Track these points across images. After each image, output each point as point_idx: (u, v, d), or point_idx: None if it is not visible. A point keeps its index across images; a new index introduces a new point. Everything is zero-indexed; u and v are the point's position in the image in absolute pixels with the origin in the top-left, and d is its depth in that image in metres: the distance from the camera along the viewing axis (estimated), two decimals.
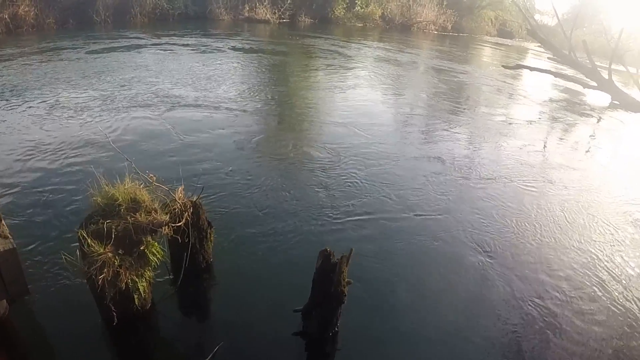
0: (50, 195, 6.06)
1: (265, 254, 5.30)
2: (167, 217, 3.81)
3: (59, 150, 7.51)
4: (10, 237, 3.69)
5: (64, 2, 20.68)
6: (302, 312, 4.27)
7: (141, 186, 3.98)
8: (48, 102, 9.91)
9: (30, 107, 9.46)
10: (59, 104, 9.87)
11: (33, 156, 7.26)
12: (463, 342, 4.37)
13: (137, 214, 3.74)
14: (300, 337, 4.24)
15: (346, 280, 4.01)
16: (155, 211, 3.82)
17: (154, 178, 3.97)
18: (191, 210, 4.15)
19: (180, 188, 4.17)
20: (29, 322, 4.14)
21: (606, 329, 4.74)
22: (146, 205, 3.84)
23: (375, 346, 4.24)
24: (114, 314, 3.67)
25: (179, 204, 4.02)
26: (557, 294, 5.18)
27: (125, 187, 3.87)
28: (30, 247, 4.85)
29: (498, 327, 4.61)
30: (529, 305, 4.94)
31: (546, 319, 4.76)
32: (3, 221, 3.78)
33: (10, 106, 9.44)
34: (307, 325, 4.25)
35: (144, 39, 18.97)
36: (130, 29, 21.35)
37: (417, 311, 4.73)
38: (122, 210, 3.76)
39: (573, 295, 5.19)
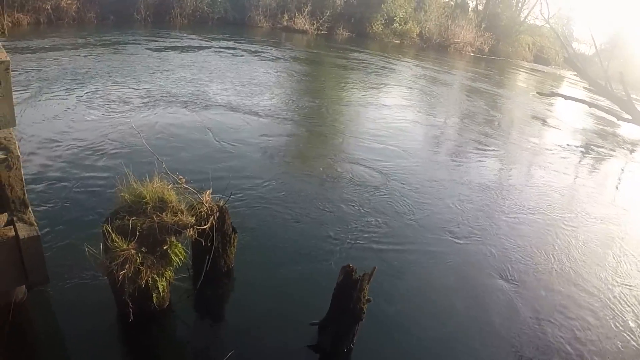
0: (79, 187, 6.14)
1: (287, 265, 5.27)
2: (193, 220, 3.81)
3: (92, 143, 7.63)
4: (35, 224, 3.72)
5: None
6: (319, 326, 4.23)
7: (169, 186, 4.00)
8: (85, 94, 10.10)
9: (66, 98, 9.64)
10: (96, 97, 10.06)
11: (65, 147, 7.37)
12: None
13: (163, 213, 3.75)
14: (313, 351, 4.19)
15: (366, 297, 3.98)
16: (182, 212, 3.82)
17: (183, 180, 3.98)
18: (217, 215, 4.14)
19: (208, 191, 4.16)
20: (46, 310, 4.18)
21: None
22: (173, 206, 3.84)
23: None
24: (131, 310, 3.67)
25: (205, 207, 4.01)
26: (581, 330, 5.03)
27: (154, 185, 3.89)
28: (54, 237, 4.89)
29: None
30: (553, 340, 4.80)
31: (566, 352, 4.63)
32: (30, 208, 3.81)
33: (48, 97, 9.62)
34: (322, 339, 4.21)
35: (183, 40, 19.28)
36: (170, 29, 21.68)
37: (437, 336, 4.63)
38: (148, 208, 3.78)
39: (599, 333, 5.04)
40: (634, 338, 5.07)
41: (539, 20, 37.60)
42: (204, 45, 18.66)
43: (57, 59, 12.76)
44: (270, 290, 4.82)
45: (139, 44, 16.92)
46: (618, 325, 5.26)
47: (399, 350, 4.37)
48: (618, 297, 5.80)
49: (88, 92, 10.26)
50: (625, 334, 5.12)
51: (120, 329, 4.07)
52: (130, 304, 3.64)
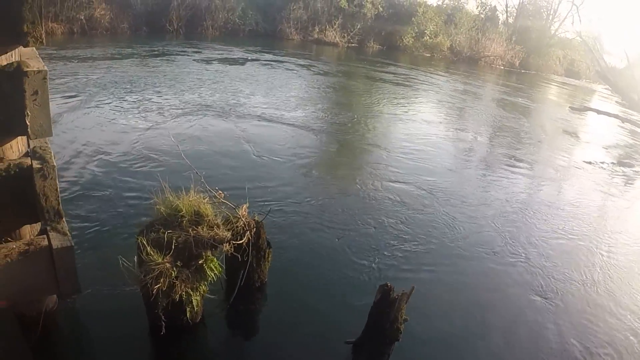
0: (113, 198, 6.14)
1: (320, 282, 5.17)
2: (229, 234, 3.72)
3: (127, 153, 7.69)
4: (68, 234, 3.68)
5: (138, 9, 21.52)
6: (354, 345, 4.11)
7: (205, 199, 3.92)
8: (121, 104, 10.26)
9: (102, 107, 9.79)
10: (132, 106, 10.22)
11: (101, 156, 7.43)
12: None
13: (199, 227, 3.68)
14: None
15: (403, 317, 3.87)
16: (218, 226, 3.74)
17: (222, 195, 3.90)
18: (254, 230, 4.05)
19: (244, 206, 4.08)
20: (76, 320, 4.16)
21: None
22: (209, 220, 3.77)
23: None
24: (163, 323, 3.60)
25: (242, 222, 3.92)
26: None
27: (190, 199, 3.81)
28: (86, 247, 4.87)
29: None
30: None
31: None
32: (64, 218, 3.77)
33: (84, 106, 9.77)
34: (356, 358, 4.09)
35: (215, 51, 19.46)
36: (202, 40, 21.97)
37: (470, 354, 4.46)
38: (184, 221, 3.71)
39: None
40: None
41: (569, 34, 37.04)
42: (236, 57, 18.84)
43: (92, 68, 13.01)
44: (304, 307, 4.71)
45: (173, 54, 17.16)
46: None
47: None
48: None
49: (124, 102, 10.43)
50: None
51: (151, 341, 4.01)
52: (162, 317, 3.58)
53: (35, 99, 3.16)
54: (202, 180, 3.94)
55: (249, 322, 4.58)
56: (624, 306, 5.72)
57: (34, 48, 3.51)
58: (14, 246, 3.40)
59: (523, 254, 6.52)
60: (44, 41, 3.11)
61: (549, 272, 6.16)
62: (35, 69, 3.13)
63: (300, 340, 4.28)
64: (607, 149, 14.69)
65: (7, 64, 3.11)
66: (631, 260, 7.02)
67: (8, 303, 3.48)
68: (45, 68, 3.20)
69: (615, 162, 13.17)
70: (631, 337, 5.14)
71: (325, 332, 4.40)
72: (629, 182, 11.49)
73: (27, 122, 3.16)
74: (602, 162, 12.69)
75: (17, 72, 3.08)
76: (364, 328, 4.05)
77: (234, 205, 4.01)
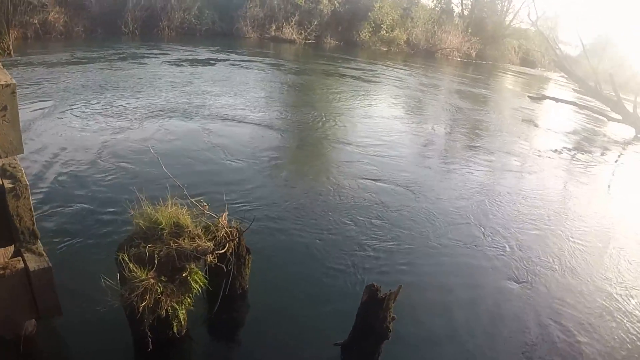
0: (88, 212, 5.92)
1: (301, 285, 5.14)
2: (212, 244, 3.67)
3: (98, 163, 7.46)
4: (45, 255, 3.57)
5: (93, 11, 20.95)
6: (342, 347, 4.12)
7: (184, 210, 3.85)
8: (87, 110, 10.01)
9: (61, 117, 9.44)
10: (100, 112, 9.98)
11: (72, 168, 7.18)
12: None
13: (181, 239, 3.61)
14: None
15: (392, 316, 3.89)
16: (199, 237, 3.68)
17: (207, 207, 3.84)
18: (237, 239, 4.00)
19: (224, 214, 4.03)
20: (57, 342, 4.01)
21: None
22: (189, 231, 3.70)
23: None
24: (150, 339, 3.52)
25: (224, 231, 3.86)
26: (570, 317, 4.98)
27: (169, 210, 3.74)
28: (64, 266, 4.67)
29: None
30: (566, 343, 4.73)
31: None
32: (39, 238, 3.65)
33: (43, 115, 9.42)
34: (346, 359, 4.08)
35: (173, 52, 19.07)
36: (158, 41, 21.52)
37: (456, 346, 4.53)
38: (164, 234, 3.63)
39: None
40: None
41: (524, 24, 37.88)
42: (196, 58, 18.56)
43: (50, 75, 12.59)
44: (288, 312, 4.68)
45: (131, 57, 16.79)
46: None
47: None
48: (619, 295, 5.86)
49: (88, 109, 10.14)
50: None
51: (136, 357, 3.91)
52: (149, 333, 3.49)
53: (4, 115, 3.02)
54: (185, 192, 3.86)
55: (235, 331, 4.52)
56: (594, 287, 5.95)
57: None
58: None
59: (498, 244, 6.67)
60: (12, 52, 2.99)
61: (523, 260, 6.32)
62: (3, 82, 2.99)
63: (288, 346, 4.24)
64: (567, 135, 15.12)
65: None
66: (595, 242, 7.29)
67: None
68: (14, 81, 3.06)
69: (575, 148, 13.58)
70: (605, 315, 5.37)
71: (312, 336, 4.39)
72: (589, 167, 11.85)
73: None
74: (563, 149, 13.08)
75: None
76: (352, 329, 4.05)
77: (215, 215, 3.95)
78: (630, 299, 5.83)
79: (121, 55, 16.85)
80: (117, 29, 21.80)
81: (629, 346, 4.94)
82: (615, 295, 5.85)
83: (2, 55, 2.91)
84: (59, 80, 12.14)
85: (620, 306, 5.63)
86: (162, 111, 10.68)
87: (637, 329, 5.23)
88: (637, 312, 5.58)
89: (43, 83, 11.67)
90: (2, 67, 3.33)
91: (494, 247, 6.56)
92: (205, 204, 3.87)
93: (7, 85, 2.98)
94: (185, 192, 3.88)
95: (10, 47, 2.91)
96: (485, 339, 4.74)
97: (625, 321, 5.35)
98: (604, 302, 5.65)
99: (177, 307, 3.54)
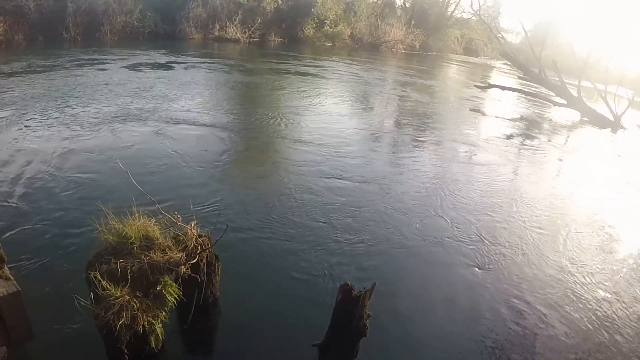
0: (51, 230, 5.71)
1: (274, 288, 5.16)
2: (184, 255, 3.64)
3: (55, 176, 7.24)
4: (12, 279, 3.46)
5: (33, 19, 20.17)
6: (320, 347, 4.16)
7: (152, 221, 3.81)
8: (34, 122, 9.66)
9: (9, 129, 9.08)
10: (50, 122, 9.72)
11: (28, 183, 6.94)
12: None
13: (151, 252, 3.56)
14: None
15: (367, 313, 3.97)
16: (170, 249, 3.65)
17: (180, 218, 3.80)
18: (208, 248, 3.97)
19: (192, 224, 3.99)
20: None
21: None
22: (159, 243, 3.66)
23: None
24: (126, 356, 3.47)
25: (193, 241, 3.84)
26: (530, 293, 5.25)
27: (137, 223, 3.68)
28: (32, 288, 4.53)
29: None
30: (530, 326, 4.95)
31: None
32: (5, 263, 3.54)
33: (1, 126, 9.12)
34: (325, 359, 4.13)
35: (116, 57, 18.56)
36: (101, 46, 20.96)
37: (428, 340, 4.67)
38: (134, 248, 3.58)
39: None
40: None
41: (466, 14, 38.83)
42: (139, 62, 18.13)
43: None
44: (262, 317, 4.68)
45: (74, 64, 16.22)
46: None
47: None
48: (575, 274, 6.22)
49: (38, 119, 9.85)
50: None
51: None
52: (125, 350, 3.44)
53: None
54: (157, 206, 3.80)
55: (210, 339, 4.50)
56: (551, 268, 6.27)
57: None
58: None
59: (460, 233, 6.88)
60: None
61: (484, 247, 6.58)
62: None
63: (266, 350, 4.27)
64: (514, 122, 15.68)
65: None
66: (549, 225, 7.62)
67: None
68: None
69: (523, 134, 14.11)
70: (567, 290, 5.66)
71: (289, 338, 4.42)
72: (538, 152, 12.32)
73: None
74: (512, 136, 13.58)
75: None
76: (328, 329, 4.09)
77: (184, 224, 3.91)
78: (585, 277, 6.16)
79: (66, 63, 16.28)
80: (59, 36, 21.12)
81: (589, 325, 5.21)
82: (571, 274, 6.16)
83: None
84: (6, 91, 11.64)
85: (578, 283, 5.95)
86: (115, 117, 10.48)
87: (593, 306, 5.53)
88: (592, 288, 5.92)
89: None
90: None
91: (458, 237, 6.75)
92: (177, 214, 3.82)
93: None
94: (157, 206, 3.82)
95: None
96: (457, 323, 4.92)
97: (582, 299, 5.64)
98: (561, 281, 5.97)
99: (153, 321, 3.49)
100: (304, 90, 16.29)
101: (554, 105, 17.82)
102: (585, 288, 5.87)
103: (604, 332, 5.08)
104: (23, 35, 19.43)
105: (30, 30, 19.90)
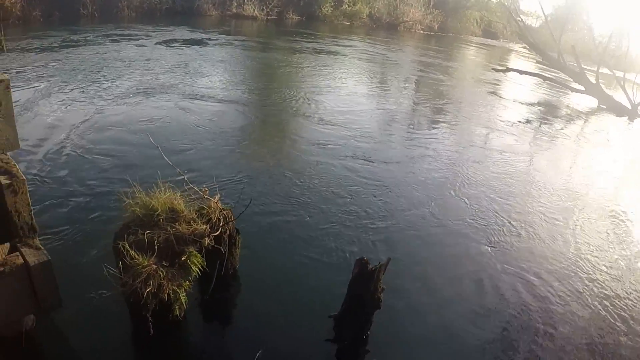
0: (81, 203, 5.86)
1: (292, 261, 5.29)
2: (207, 227, 3.76)
3: (79, 149, 7.40)
4: (42, 248, 3.58)
5: None
6: (336, 318, 4.29)
7: (177, 195, 3.92)
8: (62, 96, 9.81)
9: (44, 102, 9.29)
10: (78, 97, 9.88)
11: (60, 158, 7.09)
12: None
13: (177, 224, 3.68)
14: (334, 342, 4.24)
15: (381, 287, 4.07)
16: (195, 221, 3.76)
17: (207, 191, 3.91)
18: (231, 222, 4.09)
19: (216, 197, 4.11)
20: (57, 336, 4.00)
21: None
22: (184, 215, 3.78)
23: (405, 348, 4.32)
24: (150, 324, 3.60)
25: (216, 214, 3.95)
26: (538, 279, 5.36)
27: (163, 196, 3.80)
28: (62, 258, 4.67)
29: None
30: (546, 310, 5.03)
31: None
32: (36, 234, 3.66)
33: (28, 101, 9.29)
34: (341, 330, 4.26)
35: (135, 33, 18.68)
36: (118, 22, 21.03)
37: (440, 313, 4.78)
38: (161, 220, 3.70)
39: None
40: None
41: None
42: (158, 38, 18.22)
43: (15, 62, 12.17)
44: (280, 289, 4.83)
45: (93, 40, 16.36)
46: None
47: (410, 330, 4.53)
48: (579, 253, 6.35)
49: (63, 92, 10.05)
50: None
51: (137, 344, 4.03)
52: (150, 318, 3.57)
53: None
54: (185, 178, 3.92)
55: (230, 309, 4.64)
56: (564, 251, 6.34)
57: None
58: None
59: (478, 214, 6.97)
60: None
61: (502, 227, 6.67)
62: None
63: (284, 320, 4.40)
64: (531, 107, 15.59)
65: None
66: (563, 210, 7.64)
67: None
68: (7, 77, 3.05)
69: (540, 119, 14.03)
70: (585, 278, 5.70)
71: (306, 309, 4.56)
72: (554, 138, 12.27)
73: None
74: (528, 121, 13.51)
75: None
76: (344, 301, 4.22)
77: (208, 196, 4.03)
78: (597, 263, 6.21)
79: (87, 39, 16.44)
80: (75, 12, 21.17)
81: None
82: (583, 259, 6.22)
83: None
84: (34, 66, 11.79)
85: (589, 269, 6.00)
86: (142, 91, 10.73)
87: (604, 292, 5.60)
88: (609, 276, 5.97)
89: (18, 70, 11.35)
90: None
91: (475, 218, 6.84)
92: (205, 188, 3.93)
93: (1, 81, 2.98)
94: (185, 178, 3.94)
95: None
96: (468, 302, 5.01)
97: (600, 286, 5.71)
98: (571, 264, 6.05)
99: (177, 290, 3.61)
100: (323, 69, 16.32)
101: (572, 92, 17.62)
102: (603, 275, 5.90)
103: (621, 322, 5.14)
104: (40, 12, 19.49)
105: (47, 6, 19.93)
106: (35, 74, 11.22)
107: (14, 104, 3.11)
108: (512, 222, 6.87)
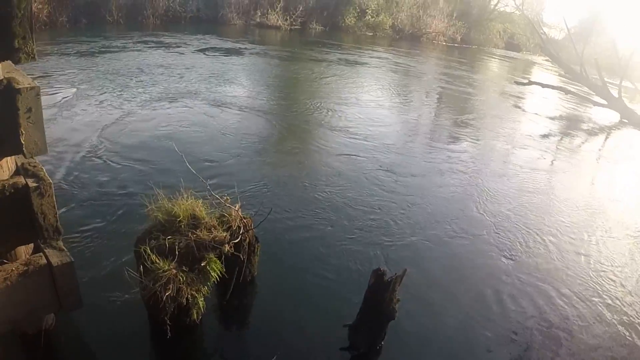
0: (105, 207, 5.99)
1: (310, 269, 5.34)
2: (228, 235, 3.81)
3: (101, 155, 7.56)
4: (65, 249, 3.66)
5: (77, 1, 20.64)
6: (351, 327, 4.30)
7: (199, 202, 3.99)
8: (78, 103, 9.99)
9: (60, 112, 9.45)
10: (89, 103, 10.03)
11: (85, 162, 7.28)
12: None
13: (198, 230, 3.74)
14: (348, 351, 4.25)
15: (397, 298, 4.09)
16: (215, 228, 3.82)
17: (228, 199, 3.98)
18: (250, 230, 4.15)
19: (237, 205, 4.17)
20: (76, 335, 4.11)
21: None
22: (206, 222, 3.84)
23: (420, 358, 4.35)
24: (168, 327, 3.66)
25: (236, 222, 4.01)
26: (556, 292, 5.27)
27: (185, 202, 3.87)
28: (84, 260, 4.78)
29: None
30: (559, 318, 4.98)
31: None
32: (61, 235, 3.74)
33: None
34: (355, 339, 4.28)
35: (159, 40, 18.99)
36: (143, 30, 21.39)
37: (457, 326, 4.76)
38: (182, 226, 3.77)
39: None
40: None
41: (509, 7, 38.08)
42: (182, 46, 18.49)
43: (39, 69, 12.48)
44: (296, 296, 4.88)
45: (119, 47, 16.67)
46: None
47: (424, 341, 4.54)
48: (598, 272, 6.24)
49: (92, 97, 10.36)
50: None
51: (154, 346, 4.10)
52: (168, 321, 3.63)
53: (29, 117, 3.11)
54: (208, 187, 3.99)
55: (247, 316, 4.69)
56: (583, 265, 6.28)
57: (10, 62, 3.43)
58: (13, 268, 3.35)
59: (497, 229, 6.92)
60: (36, 57, 3.05)
61: (522, 241, 6.65)
62: (27, 85, 3.08)
63: (299, 328, 4.44)
64: (553, 120, 15.43)
65: None
66: (583, 224, 7.60)
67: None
68: (37, 84, 3.15)
69: (561, 133, 13.91)
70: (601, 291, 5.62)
71: (322, 318, 4.59)
72: (575, 151, 12.18)
73: (22, 140, 3.11)
74: (550, 134, 13.39)
75: (8, 90, 3.02)
76: (359, 310, 4.23)
77: (230, 205, 4.09)
78: (619, 281, 6.13)
79: (112, 45, 16.77)
80: (101, 18, 21.56)
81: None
82: (604, 277, 6.15)
83: (27, 60, 2.95)
84: (55, 72, 12.09)
85: (610, 288, 5.93)
86: (167, 98, 11.03)
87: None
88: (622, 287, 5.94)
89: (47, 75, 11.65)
90: (16, 68, 3.40)
91: (494, 232, 6.83)
92: (226, 196, 4.00)
93: (32, 88, 3.07)
94: (208, 187, 4.00)
95: (34, 51, 2.97)
96: (487, 316, 4.99)
97: (617, 300, 5.63)
98: (592, 281, 5.97)
99: (196, 295, 3.68)
100: (347, 80, 16.39)
101: (594, 105, 17.42)
102: (620, 290, 5.85)
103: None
104: (66, 18, 19.89)
105: (74, 12, 20.35)
106: (64, 78, 11.53)
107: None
108: (533, 237, 6.82)
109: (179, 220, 3.79)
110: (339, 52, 22.33)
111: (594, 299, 5.56)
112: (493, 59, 31.32)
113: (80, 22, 20.54)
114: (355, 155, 8.95)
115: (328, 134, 10.19)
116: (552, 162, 10.82)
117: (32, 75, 10.72)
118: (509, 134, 12.45)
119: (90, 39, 17.29)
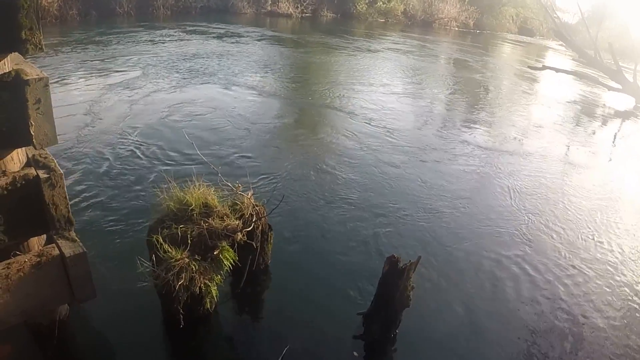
0: (116, 196, 6.01)
1: (323, 257, 5.31)
2: (240, 223, 3.78)
3: (112, 145, 7.60)
4: (78, 240, 3.65)
5: None
6: (365, 315, 4.27)
7: (211, 190, 3.96)
8: (94, 92, 10.13)
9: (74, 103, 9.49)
10: (106, 93, 10.17)
11: (96, 155, 7.27)
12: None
13: (210, 219, 3.72)
14: (362, 339, 4.23)
15: (411, 285, 4.04)
16: (228, 216, 3.80)
17: (240, 187, 3.94)
18: (263, 217, 4.11)
19: (250, 193, 4.13)
20: (89, 325, 4.13)
21: None
22: (218, 210, 3.81)
23: (435, 346, 4.31)
24: (181, 316, 3.64)
25: (249, 210, 3.98)
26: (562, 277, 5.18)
27: (197, 191, 3.84)
28: (97, 250, 4.78)
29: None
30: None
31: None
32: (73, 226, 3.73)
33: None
34: (370, 327, 4.25)
35: (171, 31, 19.01)
36: (154, 21, 21.39)
37: (470, 312, 4.72)
38: (194, 215, 3.74)
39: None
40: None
41: None
42: (194, 35, 18.58)
43: (48, 60, 12.53)
44: (311, 284, 4.86)
45: (128, 38, 16.71)
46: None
47: (439, 329, 4.49)
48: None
49: (97, 91, 10.35)
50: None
51: (168, 335, 4.11)
52: (181, 310, 3.62)
53: (38, 108, 3.09)
54: (219, 175, 3.96)
55: (260, 304, 4.69)
56: (604, 251, 6.24)
57: (17, 53, 3.40)
58: (25, 259, 3.34)
59: (511, 216, 6.86)
60: (43, 47, 3.03)
61: (534, 229, 6.54)
62: (35, 76, 3.05)
63: (312, 316, 4.42)
64: (567, 105, 15.19)
65: (4, 73, 3.02)
66: (597, 211, 7.49)
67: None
68: (45, 75, 3.12)
69: (576, 118, 13.70)
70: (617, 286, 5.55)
71: (335, 306, 4.56)
72: (590, 136, 11.99)
73: (32, 132, 3.09)
74: (564, 119, 13.18)
75: (17, 81, 3.00)
76: (373, 298, 4.21)
77: (242, 193, 4.06)
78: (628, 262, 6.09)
79: (122, 37, 16.80)
80: (111, 11, 21.54)
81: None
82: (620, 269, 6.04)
83: (34, 51, 2.92)
84: (66, 65, 12.16)
85: (631, 277, 5.83)
86: (178, 87, 11.20)
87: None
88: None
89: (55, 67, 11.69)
90: (25, 60, 3.38)
91: (508, 220, 6.75)
92: (238, 184, 3.97)
93: (40, 79, 3.05)
94: (220, 175, 3.98)
95: (42, 42, 2.94)
96: (501, 305, 4.94)
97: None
98: (611, 271, 5.89)
99: (209, 283, 3.66)
100: (359, 66, 16.31)
101: (609, 90, 17.10)
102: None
103: None
104: (77, 11, 19.89)
105: (84, 5, 20.34)
106: (74, 71, 11.58)
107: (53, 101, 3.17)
108: (549, 226, 6.73)
109: (191, 209, 3.76)
110: (351, 39, 22.19)
111: (614, 293, 5.43)
112: (506, 44, 30.89)
113: (90, 14, 20.53)
114: (368, 142, 8.90)
115: (341, 121, 10.16)
116: (566, 148, 10.64)
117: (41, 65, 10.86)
118: (524, 120, 12.28)
119: (100, 31, 17.42)
